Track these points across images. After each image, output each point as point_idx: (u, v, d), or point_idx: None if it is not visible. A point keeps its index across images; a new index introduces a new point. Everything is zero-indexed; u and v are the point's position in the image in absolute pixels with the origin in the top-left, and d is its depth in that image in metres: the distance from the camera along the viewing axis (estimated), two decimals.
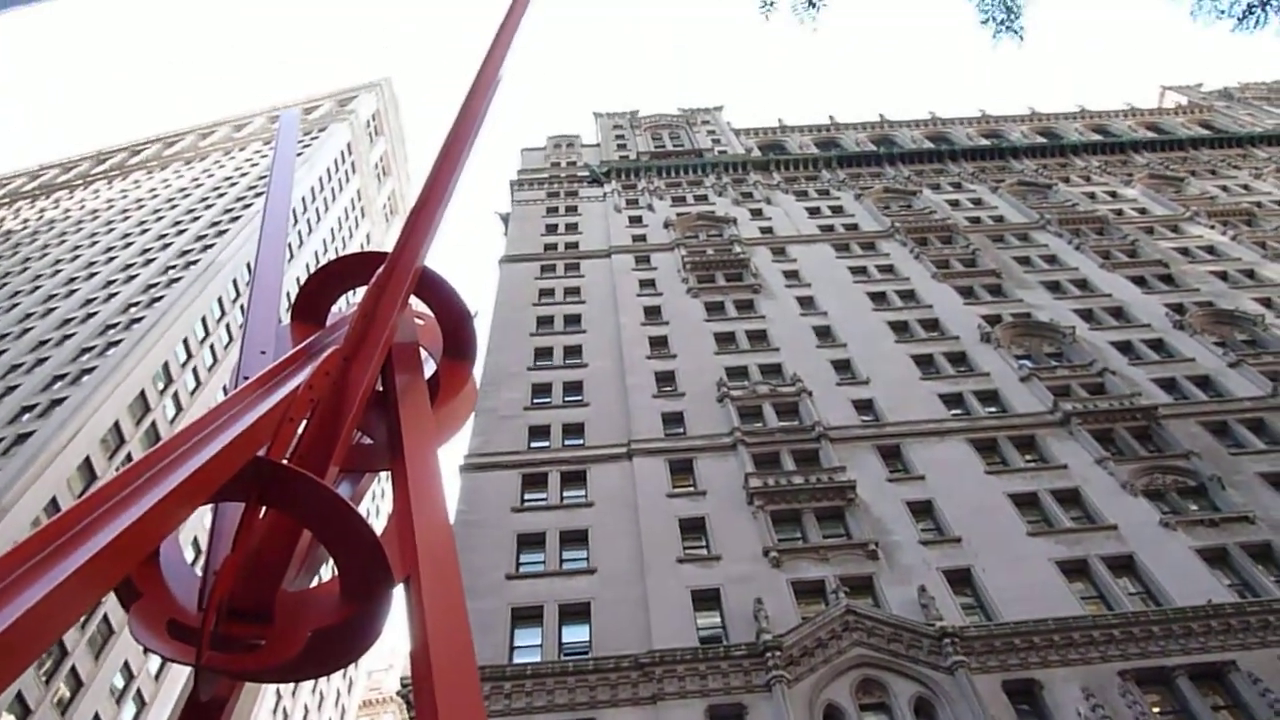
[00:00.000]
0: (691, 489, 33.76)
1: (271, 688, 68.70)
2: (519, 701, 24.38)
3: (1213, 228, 59.65)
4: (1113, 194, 68.85)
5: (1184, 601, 26.87)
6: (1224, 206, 63.73)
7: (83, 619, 46.57)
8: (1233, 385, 39.64)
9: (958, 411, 38.72)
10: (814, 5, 12.73)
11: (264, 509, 4.66)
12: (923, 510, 32.17)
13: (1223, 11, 12.48)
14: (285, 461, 4.68)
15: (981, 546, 29.99)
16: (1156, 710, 23.85)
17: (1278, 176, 71.28)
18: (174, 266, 73.29)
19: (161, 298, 66.62)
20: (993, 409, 38.96)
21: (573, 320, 49.15)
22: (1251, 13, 12.24)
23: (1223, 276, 51.90)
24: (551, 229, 64.56)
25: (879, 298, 50.30)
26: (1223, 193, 68.04)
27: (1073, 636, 25.48)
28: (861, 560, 29.50)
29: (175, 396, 60.64)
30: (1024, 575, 28.58)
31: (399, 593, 4.64)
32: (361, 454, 5.74)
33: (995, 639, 25.50)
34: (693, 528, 31.63)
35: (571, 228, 64.65)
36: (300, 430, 4.96)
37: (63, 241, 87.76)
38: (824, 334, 46.17)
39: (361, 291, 5.87)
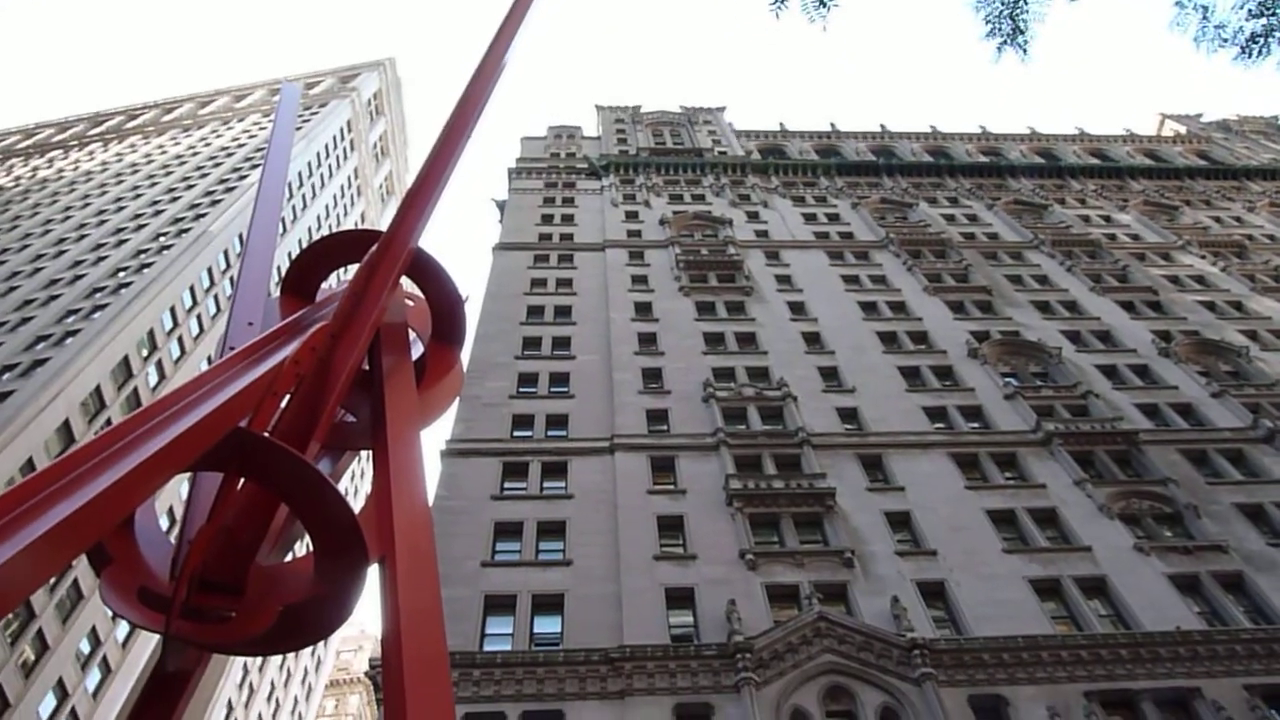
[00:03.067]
0: (672, 487, 33.78)
1: (239, 663, 68.45)
2: (487, 689, 24.36)
3: (1204, 258, 60.07)
4: (1107, 218, 69.23)
5: (1153, 627, 27.06)
6: (1216, 237, 64.19)
7: (52, 582, 46.27)
8: (1214, 415, 39.93)
9: (941, 425, 38.87)
10: (825, 4, 12.70)
11: (242, 481, 4.63)
12: (900, 522, 32.29)
13: (1225, 40, 12.52)
14: (267, 435, 4.64)
15: (956, 561, 30.12)
16: None
17: (1271, 211, 71.81)
18: (165, 233, 72.80)
19: (151, 264, 66.18)
20: (976, 425, 39.13)
21: (563, 312, 49.07)
22: (1254, 42, 12.29)
23: (1210, 307, 52.26)
24: (547, 219, 64.44)
25: (870, 308, 50.41)
26: (1215, 224, 68.52)
27: (1041, 655, 25.63)
28: (837, 568, 29.59)
29: (159, 364, 60.28)
30: (997, 591, 28.73)
31: (372, 573, 4.61)
32: (343, 432, 5.70)
33: (965, 653, 25.62)
34: (671, 526, 31.65)
35: (567, 219, 64.55)
36: (283, 404, 4.92)
37: (54, 201, 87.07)
38: (813, 340, 46.25)
39: (353, 269, 5.83)
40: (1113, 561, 30.36)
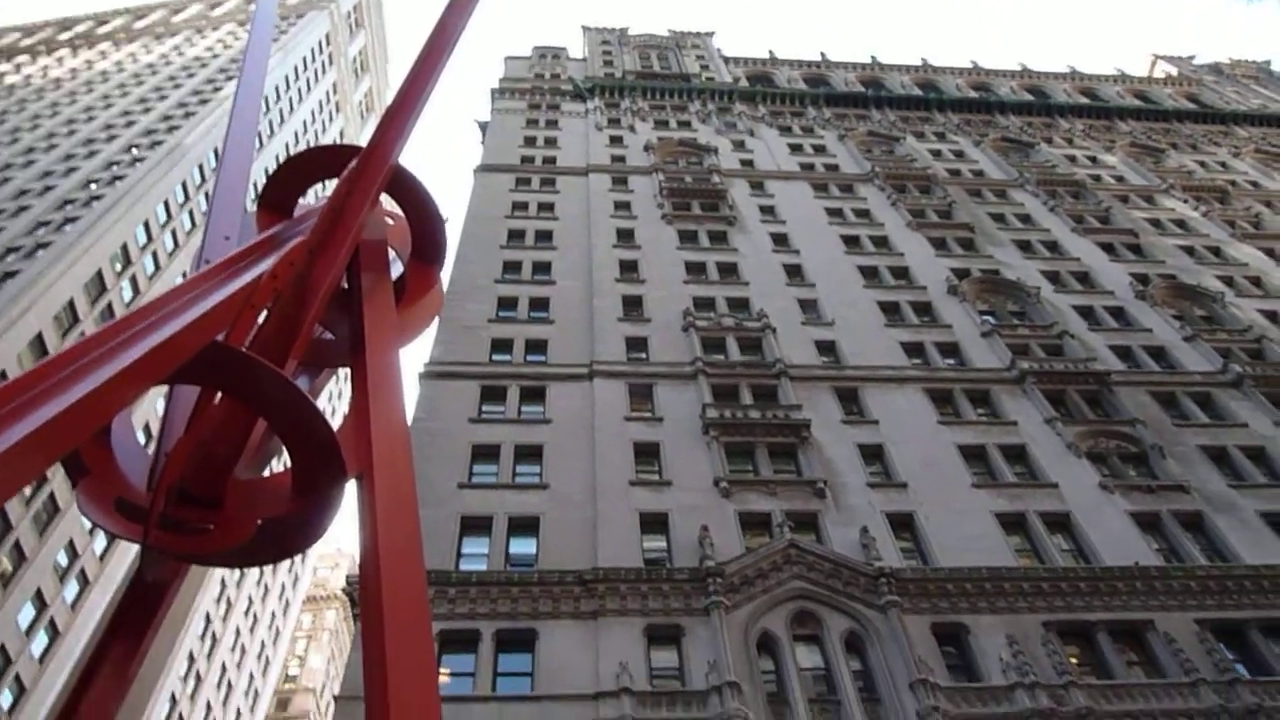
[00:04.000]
0: (649, 415, 34.02)
1: (216, 577, 69.25)
2: (462, 607, 24.79)
3: (1186, 202, 60.20)
4: (1093, 159, 69.04)
5: (1113, 562, 27.81)
6: (1200, 182, 64.25)
7: (28, 494, 46.32)
8: (1185, 359, 40.48)
9: (917, 361, 39.18)
10: None
11: (219, 395, 4.62)
12: (873, 454, 32.75)
13: None
14: (244, 349, 4.62)
15: (926, 494, 30.68)
16: (1074, 661, 24.87)
17: (1256, 157, 71.81)
18: (138, 146, 71.14)
19: (123, 177, 64.81)
20: (952, 361, 39.48)
21: (544, 236, 48.67)
22: None
23: (1189, 251, 52.57)
24: (530, 141, 63.44)
25: (852, 241, 50.32)
26: (1200, 168, 68.50)
27: (1003, 586, 26.33)
28: (809, 497, 30.07)
29: (134, 279, 59.49)
30: (964, 524, 29.35)
31: (350, 490, 4.65)
32: (322, 349, 5.69)
33: (929, 582, 26.29)
34: (647, 453, 31.96)
35: (550, 142, 63.58)
36: (261, 320, 4.90)
37: (22, 109, 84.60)
38: (794, 272, 46.23)
39: (332, 185, 5.75)
40: (1078, 498, 31.03)
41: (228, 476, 4.68)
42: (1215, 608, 26.59)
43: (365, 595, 4.09)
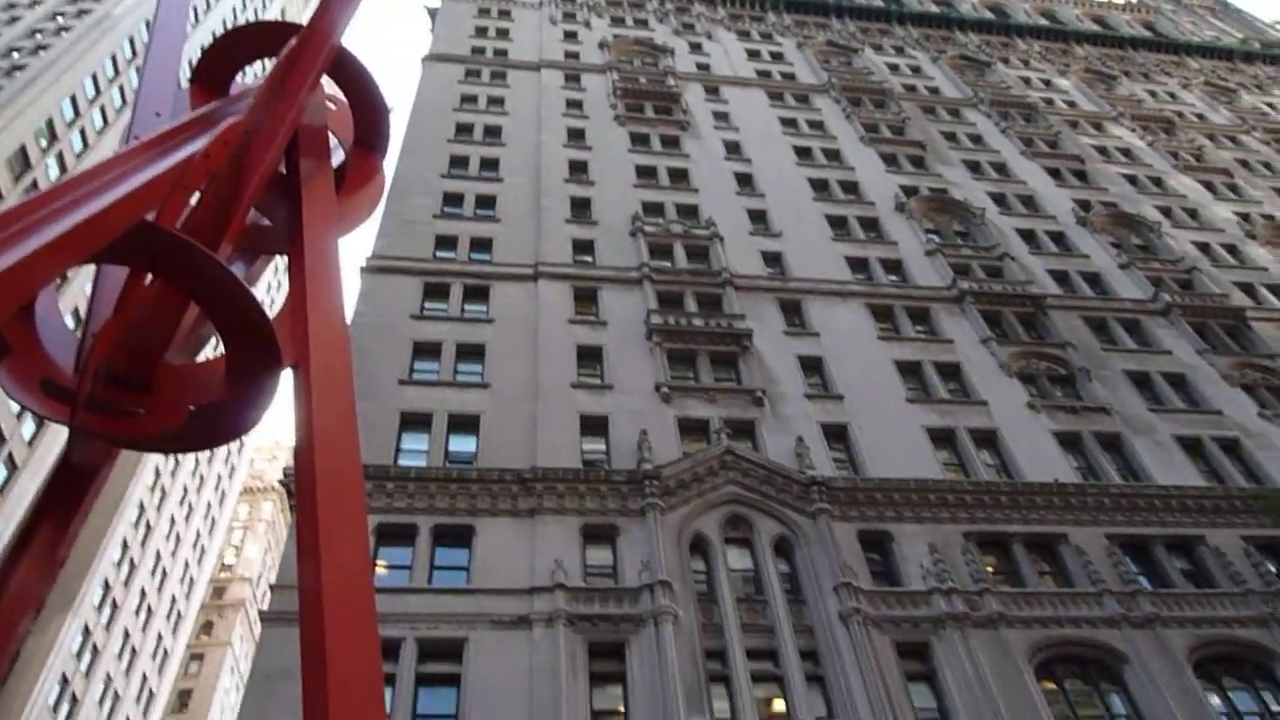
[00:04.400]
0: (593, 318, 34.01)
1: (150, 466, 68.52)
2: (400, 501, 24.97)
3: (1134, 131, 60.82)
4: (1047, 82, 69.10)
5: (1033, 477, 29.00)
6: (1148, 112, 64.84)
7: None
8: (1118, 285, 41.53)
9: (861, 276, 39.58)
10: None
11: (150, 277, 4.50)
12: (813, 366, 33.30)
13: None
14: (175, 231, 4.47)
15: (861, 407, 31.42)
16: (990, 570, 26.08)
17: (1204, 90, 72.53)
18: (63, 14, 67.08)
19: (48, 46, 61.27)
20: (895, 278, 39.96)
21: (493, 132, 47.46)
22: None
23: (1132, 180, 53.39)
24: (481, 32, 61.23)
25: (804, 153, 50.04)
26: (1150, 98, 69.06)
27: (929, 497, 27.34)
28: (747, 405, 30.59)
29: (60, 156, 56.87)
30: (895, 437, 30.20)
31: (286, 380, 4.59)
32: (258, 235, 5.55)
33: (859, 491, 27.14)
34: (589, 356, 32.06)
35: (503, 33, 61.45)
36: (194, 202, 4.74)
37: None
38: (745, 181, 45.96)
39: (271, 65, 5.51)
40: (1005, 416, 32.07)
41: (158, 361, 4.59)
42: (1125, 524, 27.98)
43: (300, 484, 4.09)
